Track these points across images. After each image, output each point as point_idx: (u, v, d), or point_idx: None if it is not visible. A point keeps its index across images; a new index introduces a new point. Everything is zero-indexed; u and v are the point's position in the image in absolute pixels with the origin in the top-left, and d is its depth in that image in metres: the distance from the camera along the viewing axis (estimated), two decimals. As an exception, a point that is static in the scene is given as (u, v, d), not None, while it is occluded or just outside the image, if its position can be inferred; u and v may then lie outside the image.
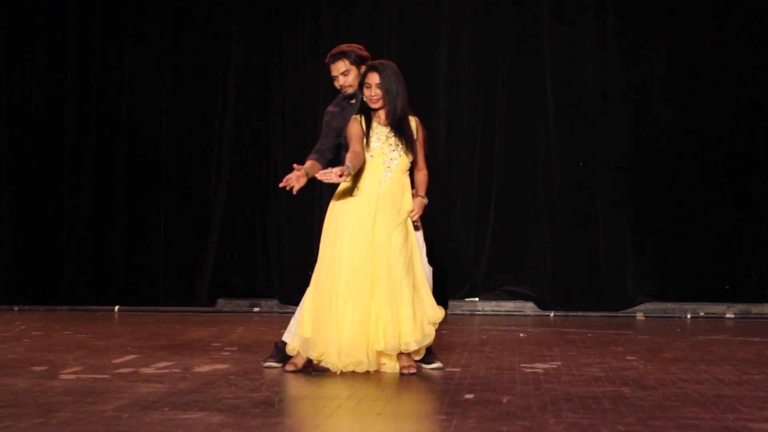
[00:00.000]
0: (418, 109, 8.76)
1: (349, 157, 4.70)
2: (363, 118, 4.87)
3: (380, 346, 4.68)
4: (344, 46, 5.18)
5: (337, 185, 4.92)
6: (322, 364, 4.75)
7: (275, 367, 4.94)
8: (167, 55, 9.30)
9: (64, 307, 9.16)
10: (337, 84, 5.17)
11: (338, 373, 4.67)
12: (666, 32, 8.57)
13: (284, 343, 5.00)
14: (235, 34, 9.20)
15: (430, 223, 8.86)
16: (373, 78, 4.82)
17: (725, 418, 3.53)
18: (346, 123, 4.99)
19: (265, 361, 5.04)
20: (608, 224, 8.51)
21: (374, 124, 4.88)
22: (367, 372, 4.69)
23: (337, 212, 4.87)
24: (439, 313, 4.79)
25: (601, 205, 8.54)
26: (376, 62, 4.90)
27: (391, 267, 4.72)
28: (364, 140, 4.81)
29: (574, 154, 8.64)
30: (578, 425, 3.40)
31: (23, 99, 9.53)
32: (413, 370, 4.71)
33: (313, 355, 4.75)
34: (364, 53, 5.16)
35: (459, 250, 8.74)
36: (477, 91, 8.83)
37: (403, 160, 4.87)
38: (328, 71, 5.19)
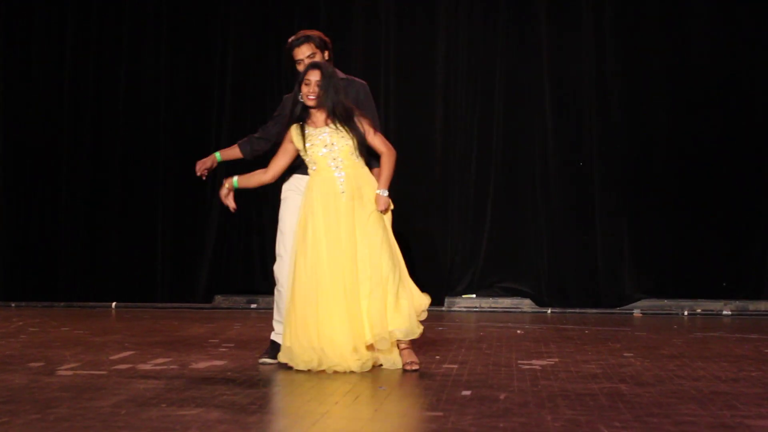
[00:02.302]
0: (416, 106, 8.88)
1: (255, 172, 5.11)
2: (299, 128, 4.85)
3: (369, 339, 4.66)
4: (307, 31, 5.17)
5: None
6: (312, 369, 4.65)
7: (270, 364, 4.94)
8: (164, 53, 9.27)
9: (61, 304, 9.14)
10: (300, 68, 5.08)
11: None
12: (664, 31, 8.55)
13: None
14: (232, 31, 9.17)
15: (427, 219, 8.97)
16: (314, 75, 4.79)
17: (722, 415, 3.53)
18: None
19: (260, 358, 5.04)
20: (605, 221, 8.50)
21: (308, 131, 4.85)
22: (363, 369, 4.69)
23: (304, 223, 4.81)
24: (425, 300, 4.81)
25: (599, 201, 8.53)
26: (319, 61, 4.89)
27: (373, 261, 4.70)
28: (290, 155, 4.92)
29: (572, 151, 8.63)
30: (575, 422, 3.40)
31: (19, 97, 9.50)
32: (416, 367, 4.70)
33: (301, 366, 4.65)
34: (326, 38, 5.14)
35: (456, 246, 8.73)
36: (475, 87, 8.80)
37: (344, 150, 4.80)
38: (290, 57, 5.12)
